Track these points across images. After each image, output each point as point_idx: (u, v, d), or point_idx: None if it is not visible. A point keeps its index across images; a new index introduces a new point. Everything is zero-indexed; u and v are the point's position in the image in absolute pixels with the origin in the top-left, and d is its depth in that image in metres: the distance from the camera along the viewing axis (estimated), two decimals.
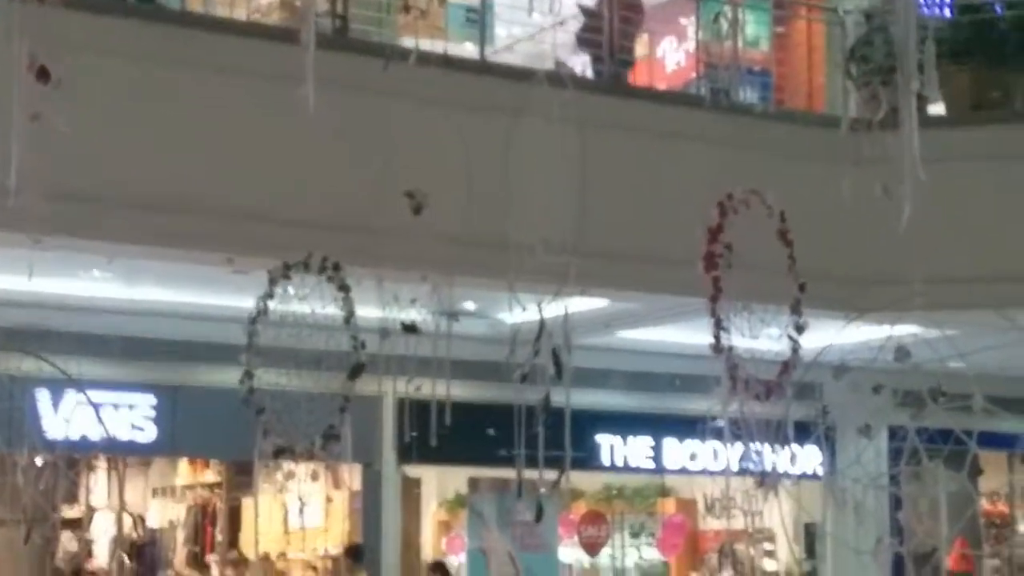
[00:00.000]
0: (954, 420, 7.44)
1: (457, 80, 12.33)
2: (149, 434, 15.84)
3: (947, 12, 14.77)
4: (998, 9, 14.42)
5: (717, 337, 8.98)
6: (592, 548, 20.00)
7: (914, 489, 7.94)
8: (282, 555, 17.29)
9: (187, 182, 11.67)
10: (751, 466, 9.12)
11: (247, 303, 10.46)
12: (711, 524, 21.02)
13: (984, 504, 22.40)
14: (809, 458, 10.57)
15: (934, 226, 9.34)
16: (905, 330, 8.42)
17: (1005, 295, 13.43)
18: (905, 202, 7.96)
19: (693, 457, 18.59)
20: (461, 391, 9.91)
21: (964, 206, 13.47)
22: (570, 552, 20.62)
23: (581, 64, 14.84)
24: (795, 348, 9.35)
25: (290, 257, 10.25)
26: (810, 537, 16.69)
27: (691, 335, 14.84)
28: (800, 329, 9.37)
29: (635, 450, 18.60)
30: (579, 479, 18.85)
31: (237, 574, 17.96)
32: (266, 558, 17.18)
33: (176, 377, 15.67)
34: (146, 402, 15.79)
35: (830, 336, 8.20)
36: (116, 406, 15.51)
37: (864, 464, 8.05)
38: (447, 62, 12.29)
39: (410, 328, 9.56)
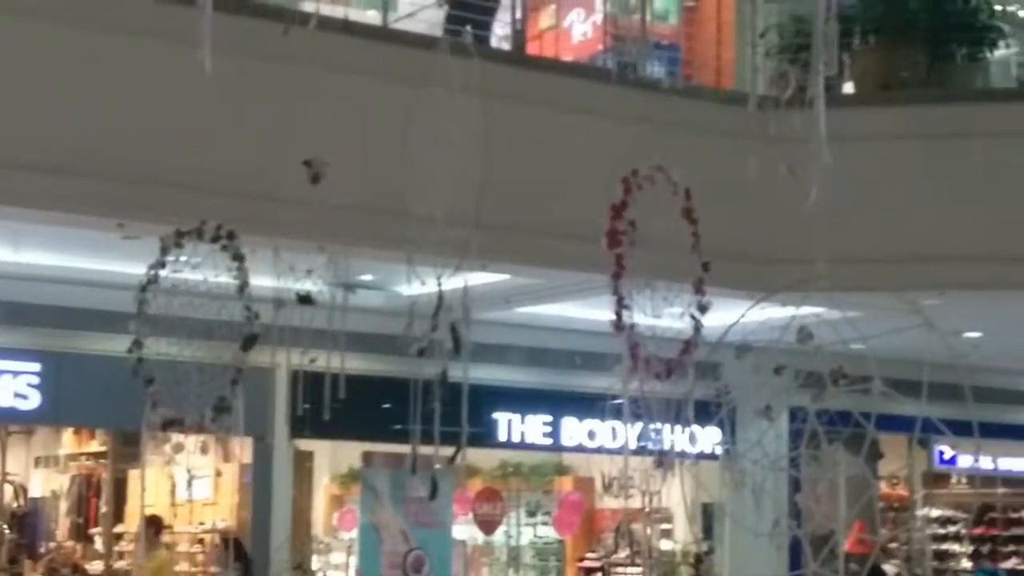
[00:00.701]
0: (855, 403, 7.34)
1: (358, 47, 12.12)
2: (32, 402, 15.51)
3: None
4: None
5: (618, 314, 8.83)
6: (487, 526, 19.90)
7: (813, 472, 7.85)
8: (168, 528, 16.99)
9: (77, 144, 11.40)
10: (650, 445, 9.00)
11: (137, 270, 10.22)
12: (608, 503, 21.02)
13: (884, 488, 22.59)
14: (709, 438, 10.43)
15: (840, 206, 9.24)
16: (808, 311, 8.31)
17: (907, 278, 13.44)
18: (812, 183, 7.85)
19: (591, 435, 18.53)
20: (356, 364, 9.70)
21: (870, 187, 13.45)
22: (465, 529, 20.51)
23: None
24: (697, 327, 9.23)
25: (183, 224, 10.01)
26: (708, 518, 16.68)
27: (592, 312, 14.74)
28: (703, 309, 9.24)
29: (532, 427, 18.49)
30: (475, 456, 18.76)
31: None
32: None
33: (62, 344, 15.35)
34: (30, 369, 15.44)
35: (733, 315, 8.06)
36: None
37: (765, 446, 7.94)
38: (348, 28, 12.08)
39: (305, 299, 9.32)
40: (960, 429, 7.47)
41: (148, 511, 15.02)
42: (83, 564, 18.27)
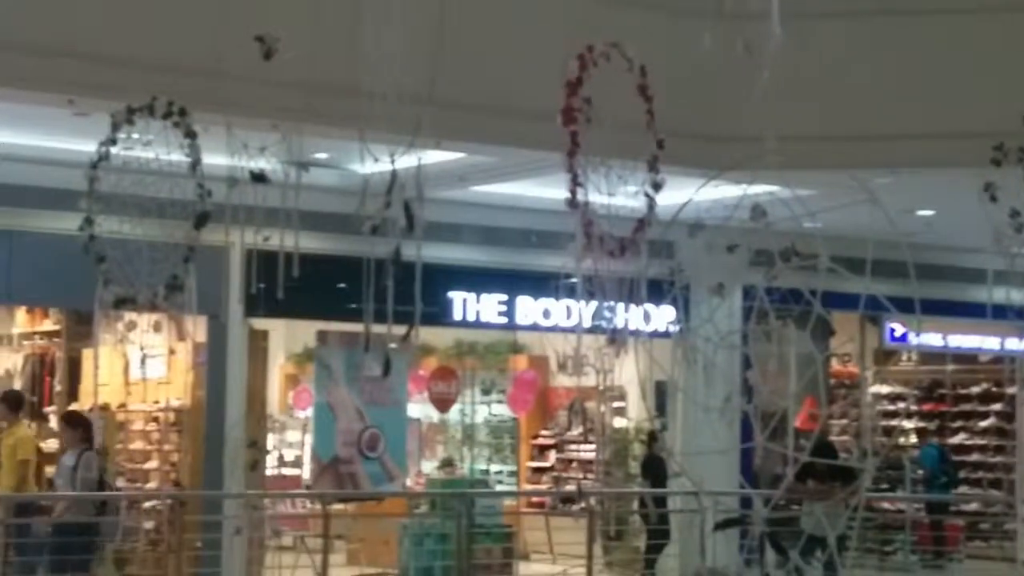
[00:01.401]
0: (805, 280, 7.38)
1: None
2: None
3: None
4: None
5: (573, 192, 8.83)
6: (442, 404, 20.02)
7: (764, 349, 7.90)
8: (122, 407, 17.02)
9: (27, 20, 11.26)
10: (604, 323, 9.04)
11: (88, 147, 10.15)
12: (562, 381, 21.14)
13: (835, 365, 22.78)
14: (662, 316, 10.47)
15: (794, 84, 9.23)
16: (761, 189, 8.34)
17: (860, 155, 13.49)
18: (766, 60, 7.84)
19: (546, 314, 18.59)
20: (310, 243, 9.69)
21: (824, 64, 13.42)
22: (419, 408, 20.64)
23: None
24: (651, 205, 9.25)
25: (134, 100, 9.92)
26: (660, 395, 16.83)
27: (547, 190, 14.75)
28: (657, 186, 9.26)
29: (488, 306, 18.52)
30: (430, 335, 18.80)
31: None
32: (106, 409, 16.88)
33: (13, 222, 15.21)
34: None
35: (687, 193, 8.06)
36: None
37: (717, 323, 7.99)
38: None
39: (259, 177, 9.27)
40: (913, 306, 7.52)
41: (102, 390, 15.01)
42: (38, 443, 18.25)
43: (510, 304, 18.64)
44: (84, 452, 12.86)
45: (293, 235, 8.86)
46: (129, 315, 12.03)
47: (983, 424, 23.30)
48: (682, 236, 8.25)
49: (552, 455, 21.71)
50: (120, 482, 17.16)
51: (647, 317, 9.01)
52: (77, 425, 13.36)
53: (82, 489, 12.71)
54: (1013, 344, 22.49)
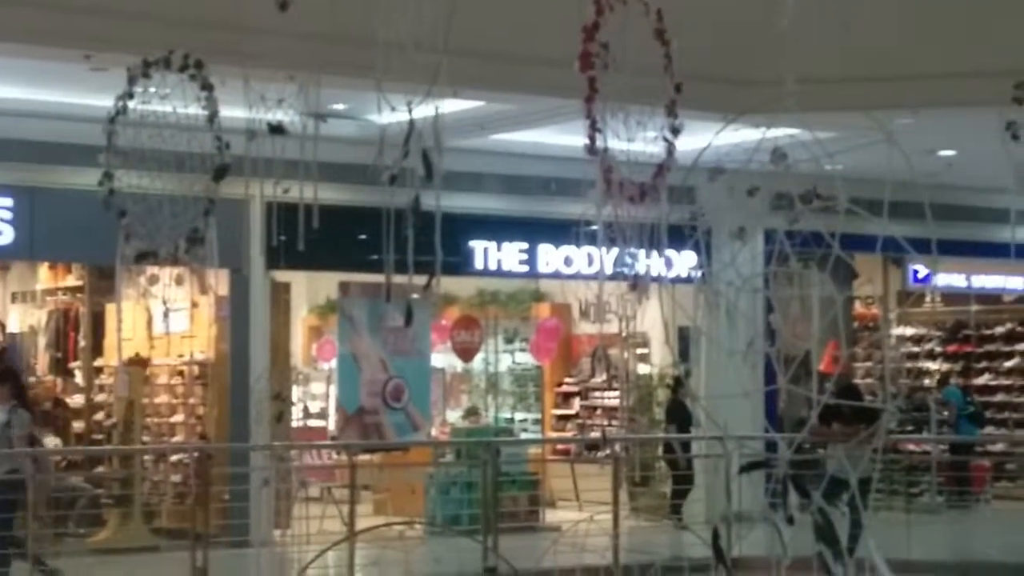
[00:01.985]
0: (827, 223, 7.33)
1: None
2: (6, 237, 15.47)
3: None
4: None
5: (592, 138, 8.78)
6: (465, 354, 20.04)
7: (788, 292, 7.87)
8: (147, 361, 17.05)
9: None
10: (625, 270, 9.01)
11: (106, 102, 10.13)
12: (585, 329, 21.13)
13: (859, 308, 22.71)
14: (683, 261, 10.47)
15: (813, 26, 9.15)
16: (782, 132, 8.29)
17: (880, 97, 13.40)
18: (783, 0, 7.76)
19: (568, 261, 18.57)
20: (330, 194, 9.68)
21: (844, 4, 13.31)
22: (443, 357, 20.66)
23: None
24: (670, 150, 9.19)
25: (150, 54, 9.90)
26: (684, 341, 16.84)
27: (566, 137, 14.70)
28: (676, 131, 9.21)
29: (509, 255, 18.52)
30: (452, 284, 18.80)
31: None
32: (141, 363, 16.92)
33: (33, 178, 15.25)
34: (2, 204, 15.36)
35: (706, 138, 8.01)
36: None
37: (739, 267, 7.96)
38: None
39: (277, 129, 9.24)
40: (938, 248, 7.46)
41: (126, 344, 15.01)
42: (64, 398, 18.34)
43: (531, 252, 18.63)
44: (16, 408, 12.72)
45: (312, 187, 8.84)
46: (151, 269, 12.03)
47: (1008, 364, 23.25)
48: (702, 180, 8.20)
49: (576, 402, 21.72)
50: (146, 436, 17.24)
51: (669, 262, 8.98)
52: (4, 380, 13.18)
53: (18, 446, 12.56)
54: None
